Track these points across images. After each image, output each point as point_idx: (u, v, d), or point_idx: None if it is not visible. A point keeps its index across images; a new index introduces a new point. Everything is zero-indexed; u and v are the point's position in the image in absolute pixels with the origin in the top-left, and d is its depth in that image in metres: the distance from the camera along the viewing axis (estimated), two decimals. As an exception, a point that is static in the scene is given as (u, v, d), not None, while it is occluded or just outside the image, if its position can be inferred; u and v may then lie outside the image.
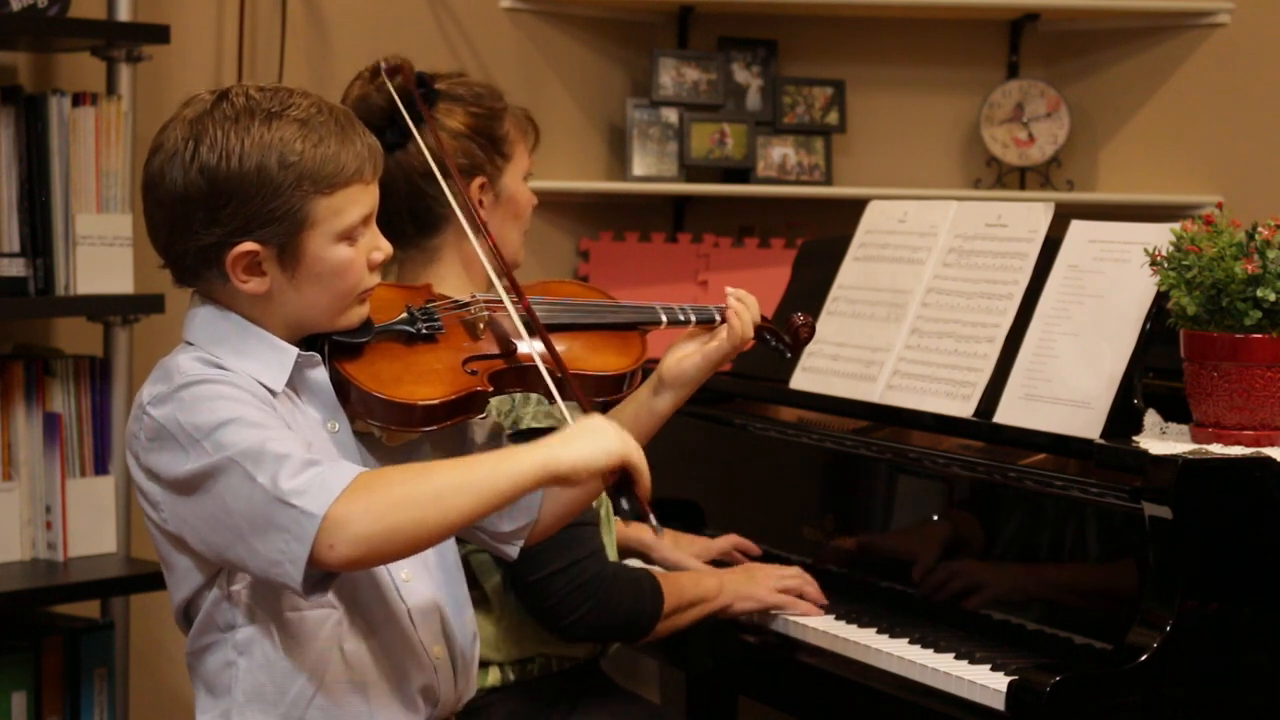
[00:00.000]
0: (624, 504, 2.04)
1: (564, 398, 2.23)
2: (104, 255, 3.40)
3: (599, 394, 2.31)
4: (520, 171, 2.74)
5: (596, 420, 2.06)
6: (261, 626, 2.08)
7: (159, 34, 3.50)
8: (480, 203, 2.68)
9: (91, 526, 3.45)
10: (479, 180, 2.67)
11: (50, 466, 3.41)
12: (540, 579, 2.61)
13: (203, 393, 2.03)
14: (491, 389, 2.18)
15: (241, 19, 3.89)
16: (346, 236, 2.08)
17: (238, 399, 2.03)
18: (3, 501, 3.38)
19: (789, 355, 2.55)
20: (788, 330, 2.53)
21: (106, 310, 3.48)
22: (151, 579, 3.41)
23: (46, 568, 3.41)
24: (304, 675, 2.09)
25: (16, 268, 3.32)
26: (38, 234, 3.35)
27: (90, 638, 3.48)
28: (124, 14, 3.49)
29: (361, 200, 2.10)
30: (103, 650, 3.49)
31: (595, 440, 2.02)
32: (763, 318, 2.48)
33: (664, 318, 2.39)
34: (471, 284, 2.67)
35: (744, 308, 2.43)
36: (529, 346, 2.21)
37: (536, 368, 2.20)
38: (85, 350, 3.54)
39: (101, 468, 3.47)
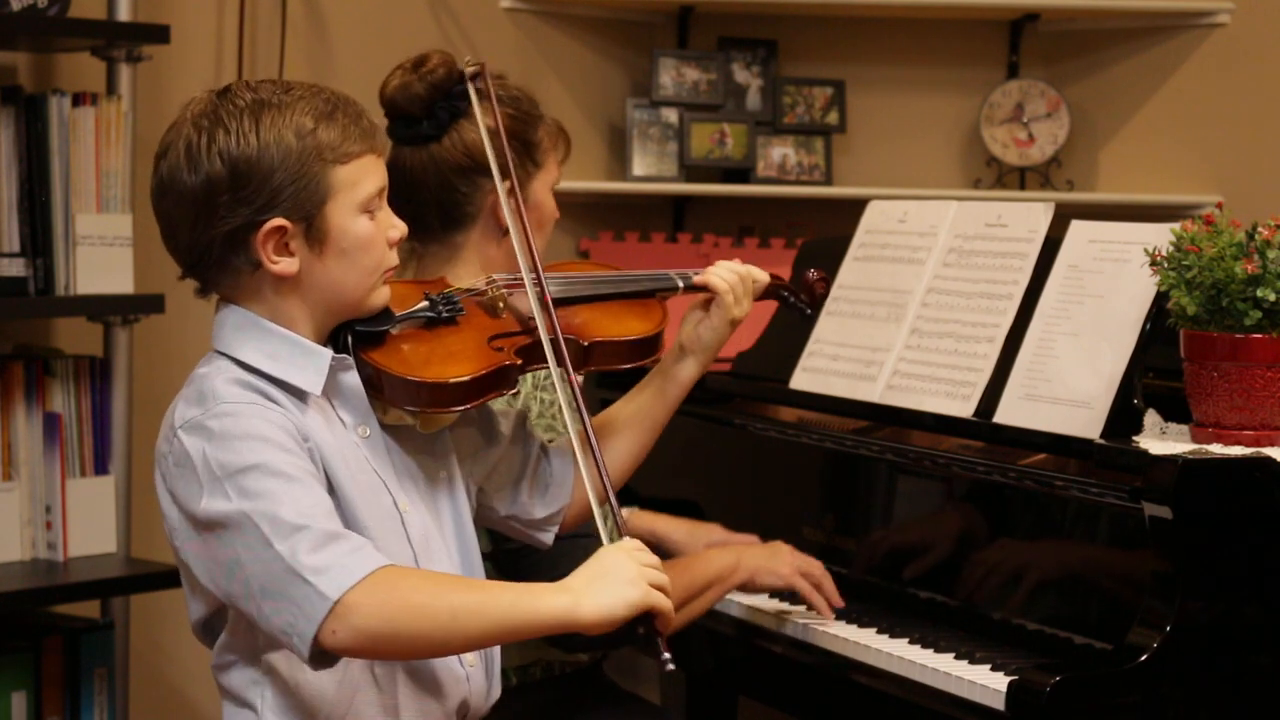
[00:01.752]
0: (640, 630, 2.02)
1: (586, 367, 2.25)
2: (104, 255, 3.40)
3: (630, 360, 2.33)
4: (549, 182, 2.73)
5: (624, 561, 2.02)
6: (289, 651, 2.05)
7: (159, 34, 3.50)
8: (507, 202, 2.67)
9: (91, 526, 3.45)
10: (508, 183, 2.65)
11: (50, 466, 3.41)
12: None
13: (232, 428, 2.01)
14: (520, 362, 2.21)
15: (241, 19, 3.89)
16: (366, 208, 2.11)
17: (267, 438, 2.01)
18: (3, 501, 3.37)
19: (809, 312, 2.57)
20: (804, 288, 2.54)
21: (106, 310, 3.48)
22: (151, 579, 3.41)
23: (46, 568, 3.41)
24: (332, 698, 2.08)
25: (16, 268, 3.32)
26: (38, 234, 3.35)
27: (90, 638, 3.48)
28: (124, 14, 3.49)
29: (375, 172, 2.13)
30: (103, 650, 3.49)
31: (619, 590, 1.99)
32: (775, 277, 2.49)
33: (680, 283, 2.41)
34: None
35: (727, 272, 2.43)
36: (545, 321, 2.24)
37: (558, 340, 2.21)
38: (85, 350, 3.54)
39: (101, 468, 3.47)
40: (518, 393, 2.31)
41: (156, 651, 3.78)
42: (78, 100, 3.39)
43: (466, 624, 1.97)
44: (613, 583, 2.00)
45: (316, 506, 1.99)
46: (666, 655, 2.01)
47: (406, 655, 2.05)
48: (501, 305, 2.26)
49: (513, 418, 2.34)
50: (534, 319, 2.24)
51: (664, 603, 2.02)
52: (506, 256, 2.66)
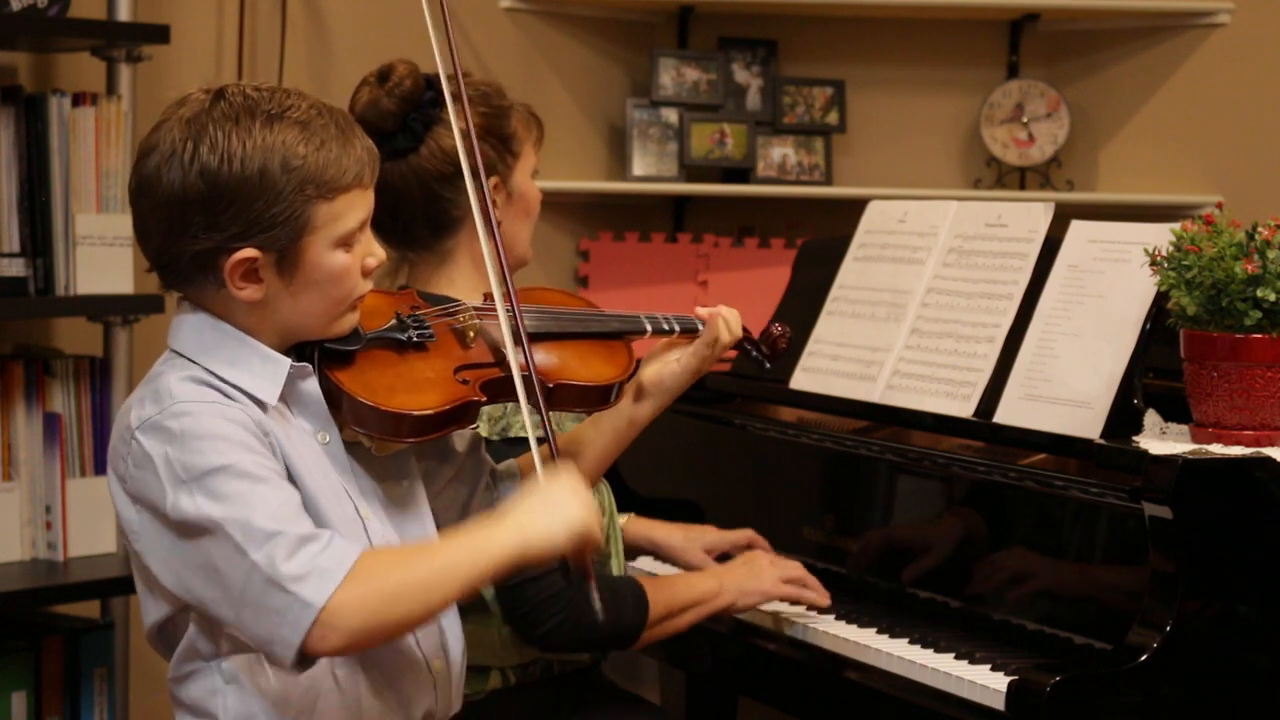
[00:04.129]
0: (569, 570, 2.05)
1: (548, 408, 2.22)
2: (104, 255, 3.40)
3: (587, 405, 2.30)
4: (529, 168, 2.75)
5: (563, 487, 2.04)
6: (249, 656, 2.04)
7: (159, 34, 3.50)
8: (494, 202, 2.68)
9: (91, 526, 3.45)
10: (492, 180, 2.66)
11: (50, 466, 3.41)
12: (513, 587, 2.57)
13: (193, 428, 1.97)
14: (484, 398, 2.17)
15: (241, 19, 3.89)
16: (344, 242, 2.05)
17: (228, 437, 1.97)
18: (3, 501, 3.38)
19: (767, 365, 2.57)
20: (766, 340, 2.54)
21: (106, 310, 3.48)
22: (151, 579, 3.41)
23: (46, 568, 3.41)
24: (294, 704, 2.06)
25: (16, 268, 3.32)
26: (38, 234, 3.35)
27: (90, 638, 3.48)
28: (124, 14, 3.49)
29: (360, 205, 2.06)
30: (103, 650, 3.49)
31: (562, 514, 2.01)
32: (743, 329, 2.49)
33: (649, 327, 2.39)
34: (482, 282, 2.67)
35: (724, 317, 2.42)
36: (518, 356, 2.20)
37: (527, 377, 2.18)
38: (85, 350, 3.54)
39: (101, 468, 3.47)
40: (477, 427, 2.29)
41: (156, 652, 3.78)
42: (78, 100, 3.39)
43: (442, 589, 1.98)
44: (554, 511, 2.01)
45: (286, 507, 1.96)
46: (595, 594, 2.05)
47: (396, 636, 2.05)
48: (473, 334, 2.21)
49: (468, 437, 2.31)
50: (503, 352, 2.19)
51: (598, 530, 2.04)
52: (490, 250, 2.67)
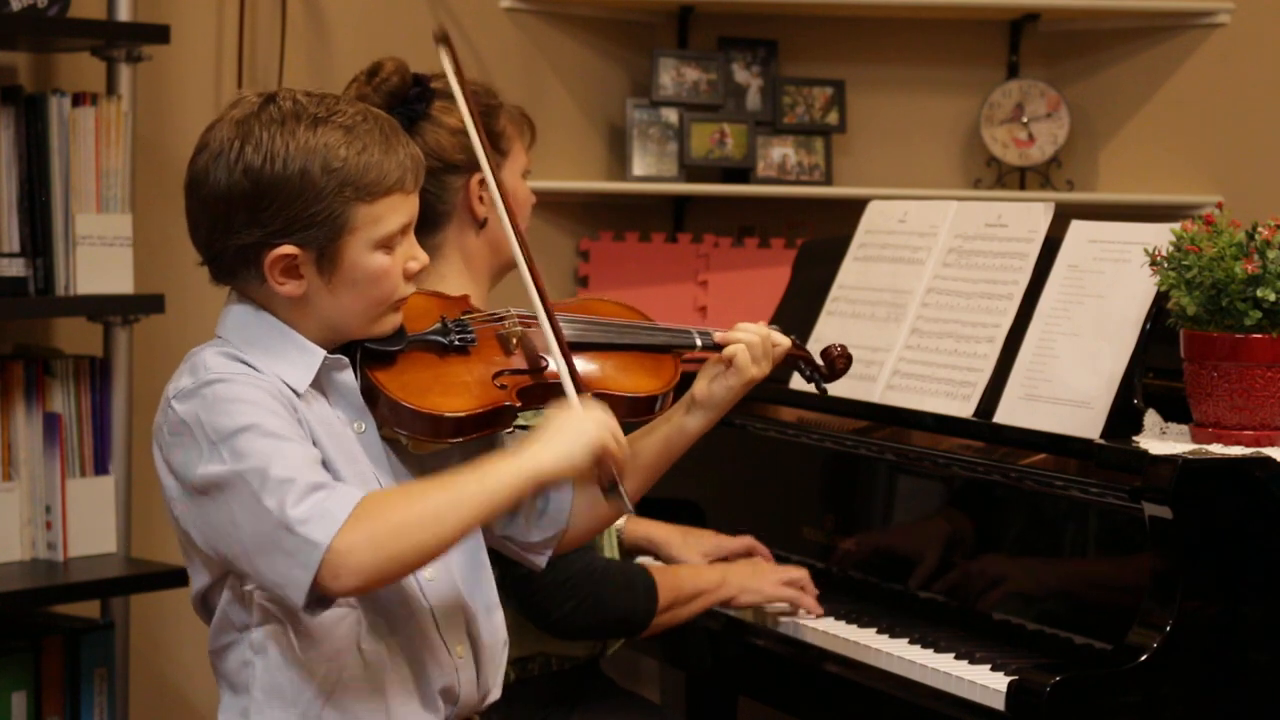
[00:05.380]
0: (603, 485, 2.09)
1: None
2: (104, 255, 3.40)
3: (629, 415, 2.30)
4: (518, 169, 2.75)
5: (570, 415, 2.09)
6: (276, 626, 2.10)
7: (159, 34, 3.50)
8: (480, 199, 2.68)
9: (91, 526, 3.45)
10: (477, 176, 2.67)
11: (50, 466, 3.41)
12: (525, 574, 2.59)
13: (224, 393, 2.04)
14: (520, 404, 2.20)
15: (241, 19, 3.89)
16: (385, 245, 2.11)
17: (257, 402, 2.04)
18: (3, 501, 3.37)
19: (825, 386, 2.55)
20: (826, 361, 2.53)
21: (106, 310, 3.48)
22: (151, 579, 3.41)
23: (46, 568, 3.41)
24: (320, 674, 2.10)
25: (16, 268, 3.32)
26: (38, 234, 3.35)
27: (90, 638, 3.48)
28: (124, 14, 3.49)
29: (401, 209, 2.12)
30: (103, 650, 3.49)
31: (573, 436, 2.07)
32: (799, 346, 2.49)
33: (699, 341, 2.40)
34: (473, 280, 2.69)
35: (746, 334, 2.42)
36: (559, 362, 2.21)
37: (563, 385, 2.19)
38: (85, 350, 3.54)
39: (101, 468, 3.47)
40: (513, 431, 2.30)
41: (156, 651, 3.78)
42: (78, 100, 3.39)
43: (451, 519, 2.01)
44: (567, 433, 2.07)
45: (304, 460, 2.02)
46: (626, 497, 2.10)
47: (408, 571, 2.08)
48: (515, 341, 2.24)
49: (517, 436, 2.33)
50: (544, 360, 2.23)
51: (620, 439, 2.09)
52: (485, 247, 2.69)
